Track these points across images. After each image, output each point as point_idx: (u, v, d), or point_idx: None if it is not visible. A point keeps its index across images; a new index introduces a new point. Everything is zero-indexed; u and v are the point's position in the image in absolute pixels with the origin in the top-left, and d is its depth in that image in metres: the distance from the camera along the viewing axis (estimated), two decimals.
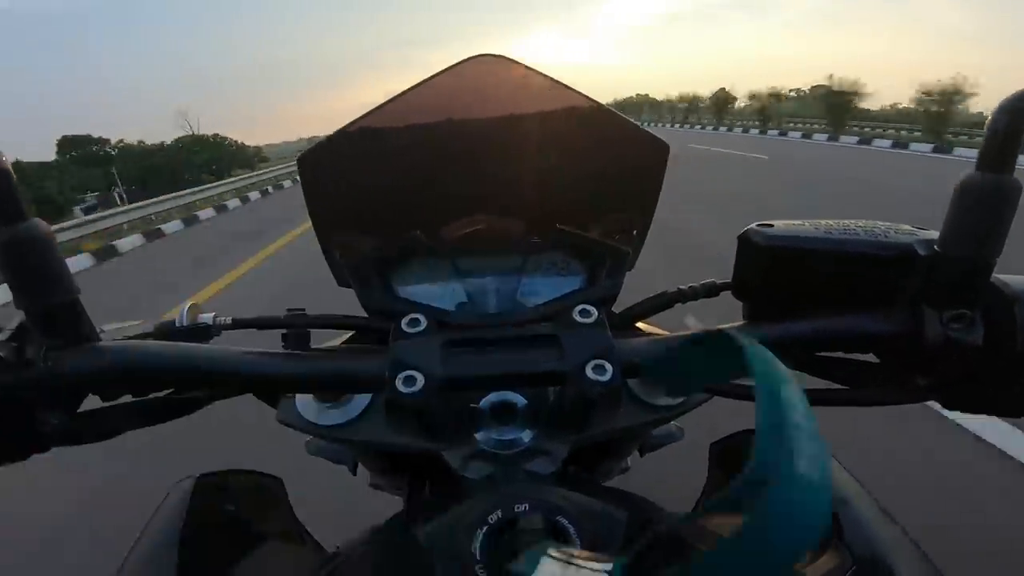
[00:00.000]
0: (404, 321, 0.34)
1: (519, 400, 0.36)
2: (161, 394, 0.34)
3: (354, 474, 0.57)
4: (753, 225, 0.33)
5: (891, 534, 0.33)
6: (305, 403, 0.39)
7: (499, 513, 0.28)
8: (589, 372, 0.31)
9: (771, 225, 0.32)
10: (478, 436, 0.35)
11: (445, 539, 0.28)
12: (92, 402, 0.33)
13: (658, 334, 0.43)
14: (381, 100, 0.39)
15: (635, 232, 0.45)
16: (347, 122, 0.39)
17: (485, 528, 0.27)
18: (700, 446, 0.51)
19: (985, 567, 1.30)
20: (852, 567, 0.30)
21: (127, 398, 0.33)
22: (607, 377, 0.31)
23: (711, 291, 0.38)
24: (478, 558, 0.26)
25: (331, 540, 0.45)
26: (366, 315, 0.41)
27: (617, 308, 0.42)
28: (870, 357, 0.34)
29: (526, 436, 0.35)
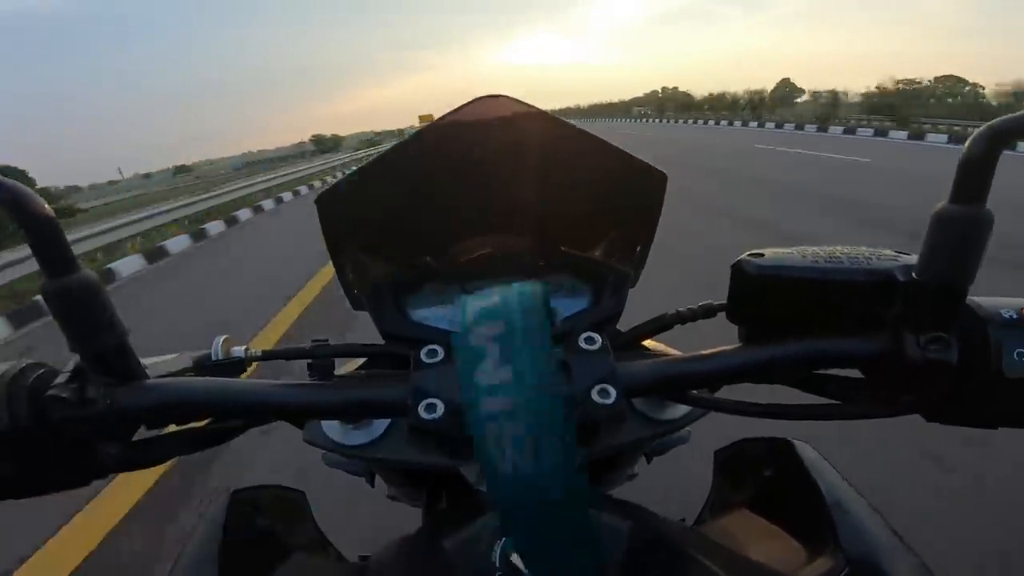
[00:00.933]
0: (423, 351, 0.36)
1: None
2: (201, 423, 0.37)
3: (372, 486, 0.60)
4: (745, 255, 0.35)
5: (885, 537, 0.34)
6: (330, 424, 0.42)
7: None
8: (595, 396, 0.33)
9: (762, 254, 0.34)
10: None
11: (466, 550, 0.31)
12: (140, 431, 0.36)
13: (661, 353, 0.45)
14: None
15: (638, 249, 0.48)
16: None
17: (503, 539, 0.30)
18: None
19: None
20: (846, 569, 0.31)
21: (172, 427, 0.36)
22: (611, 400, 0.33)
23: (708, 312, 0.40)
24: (498, 567, 0.29)
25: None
26: (382, 339, 0.44)
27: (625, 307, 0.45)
28: (859, 374, 0.36)
29: None
